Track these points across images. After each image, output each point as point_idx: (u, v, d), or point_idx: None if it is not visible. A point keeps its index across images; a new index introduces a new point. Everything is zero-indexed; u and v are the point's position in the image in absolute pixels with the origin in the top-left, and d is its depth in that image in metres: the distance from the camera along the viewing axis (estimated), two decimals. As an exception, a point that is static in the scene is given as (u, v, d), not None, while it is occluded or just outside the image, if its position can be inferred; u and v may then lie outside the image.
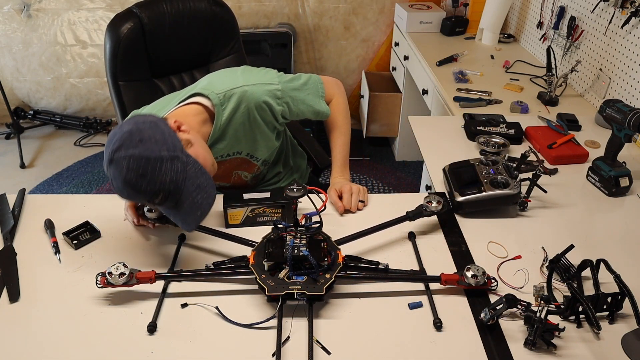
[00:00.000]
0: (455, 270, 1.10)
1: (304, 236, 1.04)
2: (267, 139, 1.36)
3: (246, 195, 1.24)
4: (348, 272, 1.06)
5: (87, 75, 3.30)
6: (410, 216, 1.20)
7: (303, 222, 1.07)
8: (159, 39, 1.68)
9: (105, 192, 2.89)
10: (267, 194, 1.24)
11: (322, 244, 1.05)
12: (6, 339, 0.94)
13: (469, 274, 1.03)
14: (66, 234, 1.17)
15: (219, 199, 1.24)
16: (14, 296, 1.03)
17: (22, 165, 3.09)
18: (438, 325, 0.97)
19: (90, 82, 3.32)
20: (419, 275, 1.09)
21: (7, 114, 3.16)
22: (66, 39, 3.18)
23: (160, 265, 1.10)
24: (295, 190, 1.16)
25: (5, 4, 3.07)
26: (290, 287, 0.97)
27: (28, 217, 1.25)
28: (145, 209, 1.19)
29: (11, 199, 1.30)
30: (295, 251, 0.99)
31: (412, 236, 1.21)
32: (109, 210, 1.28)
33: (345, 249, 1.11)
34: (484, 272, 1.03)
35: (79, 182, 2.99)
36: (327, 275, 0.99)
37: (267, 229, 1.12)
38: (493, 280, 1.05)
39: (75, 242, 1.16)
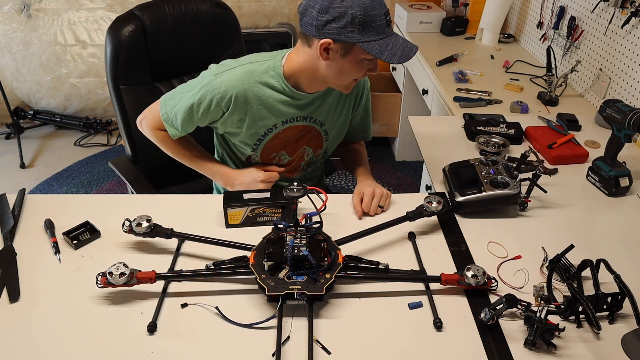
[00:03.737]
0: (455, 270, 1.10)
1: (304, 236, 1.04)
2: (345, 117, 1.46)
3: (246, 195, 1.24)
4: (348, 272, 1.06)
5: (87, 75, 3.30)
6: (410, 216, 1.20)
7: (303, 222, 1.07)
8: (161, 42, 1.66)
9: (105, 192, 2.89)
10: (267, 194, 1.24)
11: (322, 244, 1.05)
12: (6, 339, 0.94)
13: (469, 274, 1.03)
14: (66, 234, 1.17)
15: (219, 199, 1.24)
16: (14, 296, 1.03)
17: (22, 165, 3.09)
18: (438, 325, 0.97)
19: (90, 82, 3.33)
20: (419, 275, 1.09)
21: (7, 114, 3.16)
22: (66, 39, 3.18)
23: (160, 265, 1.10)
24: (295, 190, 1.16)
25: (5, 4, 3.07)
26: (290, 287, 0.97)
27: (28, 217, 1.25)
28: (134, 224, 1.12)
29: (11, 199, 1.30)
30: (295, 251, 0.99)
31: (412, 236, 1.21)
32: (109, 210, 1.28)
33: (345, 249, 1.11)
34: (484, 272, 1.03)
35: (79, 182, 2.99)
36: (327, 275, 0.99)
37: (267, 229, 1.12)
38: (493, 280, 1.05)
39: (75, 242, 1.16)
